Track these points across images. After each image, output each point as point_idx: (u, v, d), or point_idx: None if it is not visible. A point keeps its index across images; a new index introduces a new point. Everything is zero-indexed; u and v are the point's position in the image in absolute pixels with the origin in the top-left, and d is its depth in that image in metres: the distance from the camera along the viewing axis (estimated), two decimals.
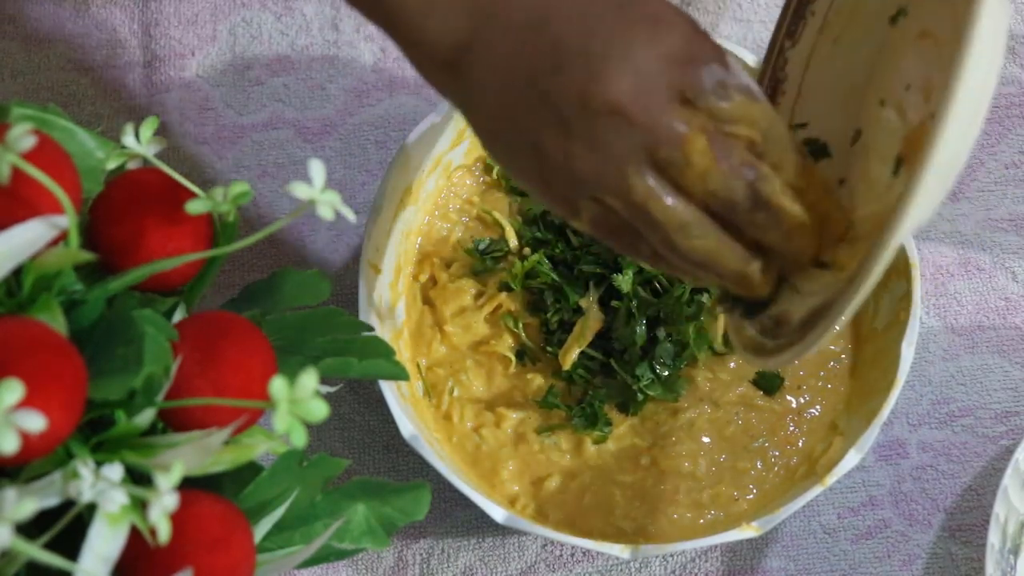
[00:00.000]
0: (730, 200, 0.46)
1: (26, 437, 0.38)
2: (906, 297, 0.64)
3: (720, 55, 0.46)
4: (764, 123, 0.47)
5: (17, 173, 0.43)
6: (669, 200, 0.46)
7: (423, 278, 0.70)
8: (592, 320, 0.67)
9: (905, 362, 0.62)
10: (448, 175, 0.71)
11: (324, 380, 0.47)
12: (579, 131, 0.45)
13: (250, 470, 0.48)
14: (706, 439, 0.67)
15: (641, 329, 0.66)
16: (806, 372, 0.68)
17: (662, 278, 0.67)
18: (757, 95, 0.47)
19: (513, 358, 0.68)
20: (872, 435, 0.61)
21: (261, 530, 0.47)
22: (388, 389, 0.62)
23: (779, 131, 0.47)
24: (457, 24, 0.47)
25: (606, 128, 0.45)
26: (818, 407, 0.67)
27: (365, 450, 0.70)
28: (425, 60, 0.49)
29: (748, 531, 0.60)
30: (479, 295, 0.69)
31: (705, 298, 0.67)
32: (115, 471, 0.41)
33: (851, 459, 0.60)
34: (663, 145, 0.45)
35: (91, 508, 0.41)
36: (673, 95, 0.45)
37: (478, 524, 0.69)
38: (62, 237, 0.44)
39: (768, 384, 0.67)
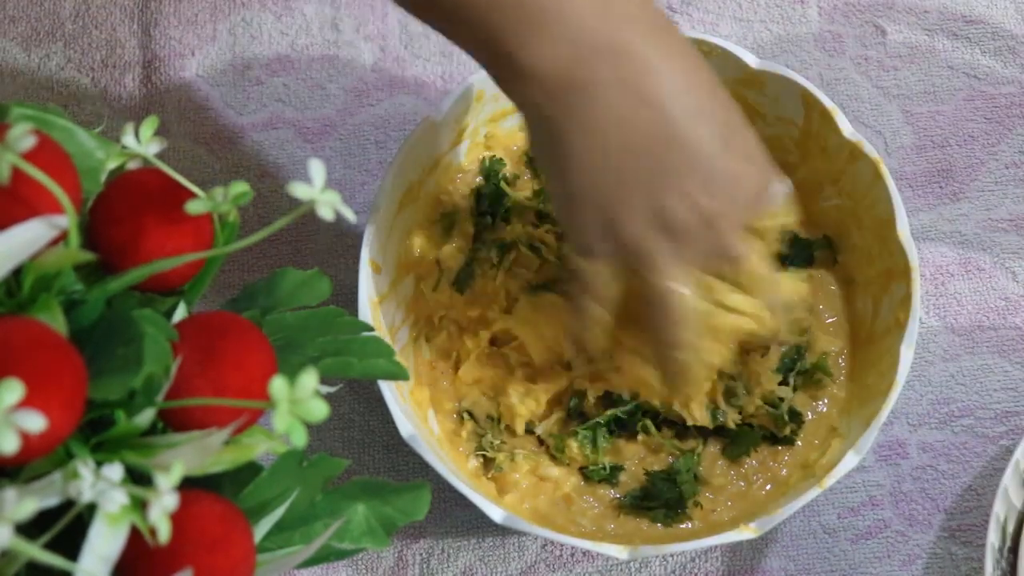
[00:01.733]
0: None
1: (26, 437, 0.38)
2: (906, 299, 0.64)
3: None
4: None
5: (17, 173, 0.43)
6: (689, 296, 0.55)
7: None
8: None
9: (904, 365, 0.62)
10: (448, 175, 0.71)
11: (324, 380, 0.47)
12: (662, 223, 0.52)
13: (250, 470, 0.48)
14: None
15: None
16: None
17: None
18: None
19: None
20: (871, 437, 0.61)
21: (261, 530, 0.47)
22: (388, 389, 0.62)
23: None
24: (574, 57, 0.50)
25: (683, 234, 0.53)
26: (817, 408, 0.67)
27: (365, 450, 0.70)
28: (529, 84, 0.51)
29: (747, 532, 0.60)
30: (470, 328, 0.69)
31: None
32: (115, 471, 0.41)
33: (850, 461, 0.60)
34: (724, 260, 0.55)
35: (91, 508, 0.41)
36: (740, 228, 0.54)
37: (478, 524, 0.69)
38: (62, 237, 0.44)
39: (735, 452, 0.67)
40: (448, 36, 0.54)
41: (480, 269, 0.69)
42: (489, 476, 0.67)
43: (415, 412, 0.65)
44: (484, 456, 0.67)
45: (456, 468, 0.64)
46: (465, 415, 0.68)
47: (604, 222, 0.53)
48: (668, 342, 0.56)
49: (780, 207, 0.56)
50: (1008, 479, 0.64)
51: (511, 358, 0.67)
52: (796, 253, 0.70)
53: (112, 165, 0.50)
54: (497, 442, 0.67)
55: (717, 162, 0.52)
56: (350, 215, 0.44)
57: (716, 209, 0.52)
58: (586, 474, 0.67)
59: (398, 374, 0.53)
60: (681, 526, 0.65)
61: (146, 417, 0.44)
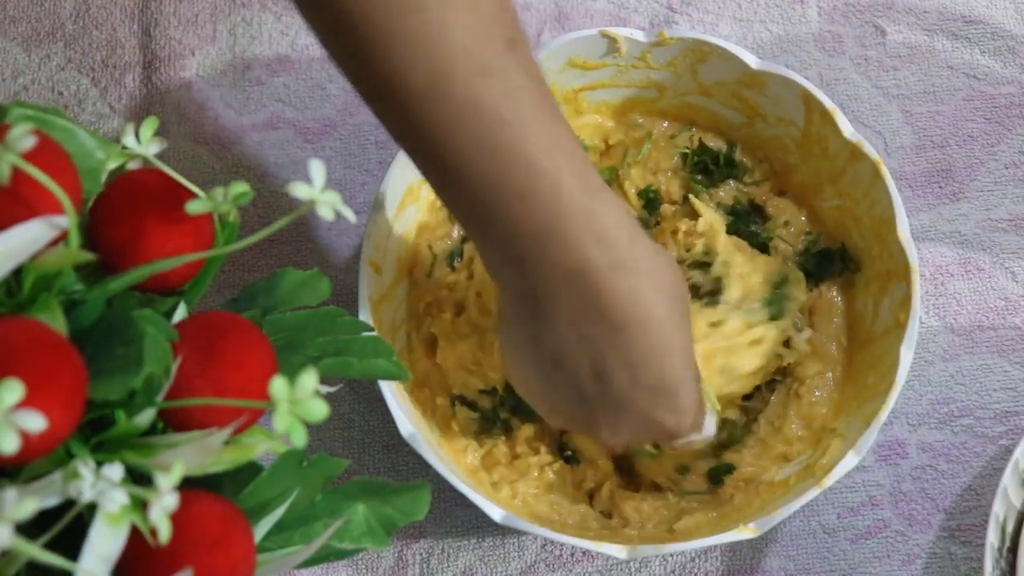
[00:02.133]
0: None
1: (26, 437, 0.38)
2: (905, 300, 0.64)
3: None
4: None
5: (17, 173, 0.43)
6: None
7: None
8: None
9: (904, 365, 0.62)
10: None
11: (324, 380, 0.47)
12: (622, 421, 0.58)
13: (250, 470, 0.48)
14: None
15: None
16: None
17: None
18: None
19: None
20: (871, 437, 0.61)
21: (261, 530, 0.47)
22: (387, 389, 0.62)
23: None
24: (538, 287, 0.54)
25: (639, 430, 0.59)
26: (820, 403, 0.67)
27: (365, 450, 0.70)
28: (505, 288, 0.56)
29: (746, 532, 0.60)
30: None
31: None
32: (115, 471, 0.41)
33: (849, 461, 0.60)
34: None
35: (91, 508, 0.41)
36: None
37: (478, 524, 0.69)
38: (62, 237, 0.44)
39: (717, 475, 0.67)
40: (445, 203, 0.56)
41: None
42: (484, 454, 0.67)
43: (415, 412, 0.65)
44: (482, 440, 0.67)
45: (456, 467, 0.64)
46: (457, 403, 0.67)
47: (536, 403, 0.60)
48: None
49: (689, 447, 0.62)
50: (1008, 479, 0.64)
51: (482, 324, 0.68)
52: (818, 268, 0.70)
53: (112, 165, 0.50)
54: (497, 423, 0.67)
55: (633, 406, 0.56)
56: (350, 215, 0.44)
57: (614, 436, 0.58)
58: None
59: (398, 374, 0.53)
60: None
61: (146, 417, 0.44)
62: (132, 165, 0.50)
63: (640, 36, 0.68)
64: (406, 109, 0.50)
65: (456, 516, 0.69)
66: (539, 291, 0.54)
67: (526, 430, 0.67)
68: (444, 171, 0.52)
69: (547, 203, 0.51)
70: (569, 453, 0.68)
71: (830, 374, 0.68)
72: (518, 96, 0.50)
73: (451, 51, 0.49)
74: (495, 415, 0.67)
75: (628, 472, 0.68)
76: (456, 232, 0.71)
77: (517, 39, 0.51)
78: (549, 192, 0.51)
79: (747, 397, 0.68)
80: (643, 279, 0.54)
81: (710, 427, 0.61)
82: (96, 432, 0.44)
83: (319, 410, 0.40)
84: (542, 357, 0.56)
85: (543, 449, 0.67)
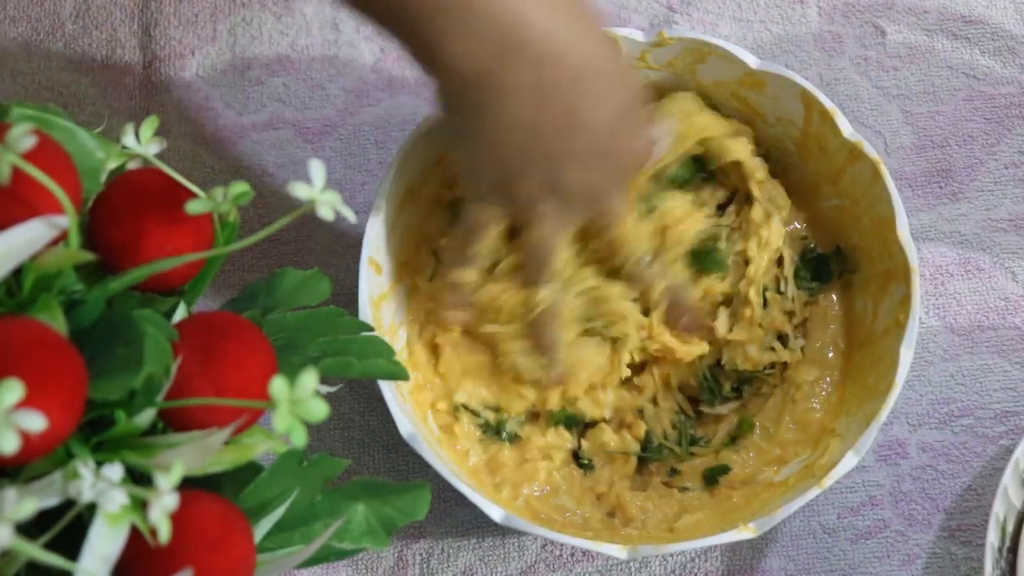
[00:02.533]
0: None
1: (26, 437, 0.38)
2: (905, 300, 0.64)
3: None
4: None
5: (17, 173, 0.43)
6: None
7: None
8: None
9: (904, 365, 0.62)
10: (449, 174, 0.70)
11: (324, 380, 0.47)
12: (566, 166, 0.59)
13: (250, 470, 0.48)
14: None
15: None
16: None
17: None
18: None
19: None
20: (870, 438, 0.61)
21: (261, 530, 0.47)
22: (387, 389, 0.62)
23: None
24: (485, 53, 0.55)
25: (568, 197, 0.61)
26: (816, 408, 0.67)
27: (365, 450, 0.70)
28: (446, 77, 0.57)
29: (745, 532, 0.60)
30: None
31: None
32: (115, 471, 0.41)
33: (849, 461, 0.60)
34: (602, 218, 0.63)
35: (91, 508, 0.41)
36: (622, 191, 0.63)
37: (478, 524, 0.69)
38: (62, 237, 0.44)
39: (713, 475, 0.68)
40: (379, 28, 0.57)
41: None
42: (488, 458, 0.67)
43: (415, 412, 0.65)
44: (486, 446, 0.67)
45: (456, 467, 0.64)
46: (461, 409, 0.67)
47: (501, 179, 0.59)
48: (535, 284, 0.64)
49: (660, 158, 0.65)
50: (1008, 479, 0.64)
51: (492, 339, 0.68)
52: (815, 272, 0.70)
53: (112, 165, 0.50)
54: (505, 431, 0.67)
55: (611, 141, 0.59)
56: (350, 215, 0.44)
57: (603, 178, 0.60)
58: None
59: (398, 374, 0.53)
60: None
61: (146, 417, 0.44)
62: (132, 165, 0.50)
63: (639, 36, 0.68)
64: None
65: (456, 516, 0.69)
66: (486, 65, 0.55)
67: (537, 439, 0.67)
68: None
69: None
70: (586, 461, 0.68)
71: (827, 379, 0.68)
72: None
73: None
74: (500, 428, 0.67)
75: (639, 470, 0.68)
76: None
77: None
78: None
79: (736, 389, 0.68)
80: (570, 9, 0.56)
81: (665, 135, 0.64)
82: (96, 432, 0.44)
83: (319, 410, 0.40)
84: (511, 141, 0.57)
85: (559, 458, 0.67)
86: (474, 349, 0.68)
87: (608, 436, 0.67)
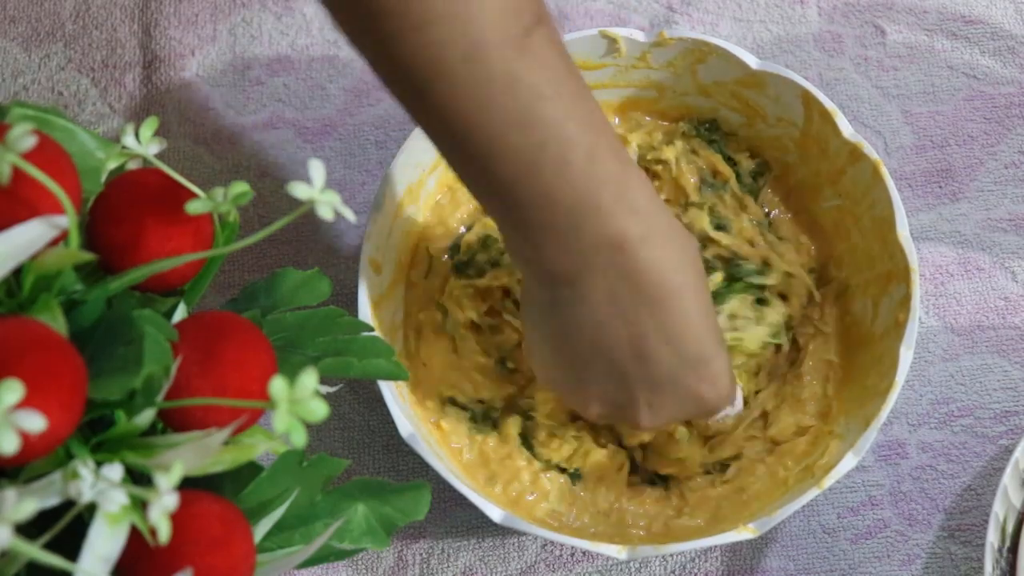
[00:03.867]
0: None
1: (26, 437, 0.38)
2: (905, 300, 0.64)
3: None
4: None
5: (17, 173, 0.43)
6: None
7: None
8: None
9: (903, 366, 0.62)
10: (449, 174, 0.71)
11: (324, 380, 0.47)
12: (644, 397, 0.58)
13: (250, 470, 0.48)
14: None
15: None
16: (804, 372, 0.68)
17: None
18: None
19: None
20: (870, 438, 0.61)
21: (261, 530, 0.47)
22: (387, 389, 0.62)
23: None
24: (578, 258, 0.53)
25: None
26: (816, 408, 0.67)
27: (365, 450, 0.70)
28: (533, 268, 0.55)
29: (745, 532, 0.60)
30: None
31: None
32: (115, 471, 0.41)
33: (849, 461, 0.60)
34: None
35: (91, 508, 0.41)
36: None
37: (478, 524, 0.69)
38: (62, 237, 0.44)
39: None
40: (472, 190, 0.55)
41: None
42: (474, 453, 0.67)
43: (415, 412, 0.65)
44: (474, 438, 0.67)
45: (455, 467, 0.64)
46: (448, 404, 0.67)
47: (561, 381, 0.59)
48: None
49: (723, 421, 0.65)
50: (1008, 479, 0.64)
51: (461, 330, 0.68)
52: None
53: (112, 165, 0.50)
54: (489, 423, 0.67)
55: (674, 384, 0.57)
56: (350, 215, 0.44)
57: (652, 420, 0.58)
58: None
59: (398, 374, 0.53)
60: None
61: (146, 417, 0.44)
62: (132, 165, 0.50)
63: (640, 36, 0.68)
64: (435, 86, 0.49)
65: (456, 516, 0.69)
66: (572, 269, 0.53)
67: (513, 425, 0.67)
68: (473, 151, 0.51)
69: (584, 175, 0.51)
70: (572, 471, 0.67)
71: (824, 387, 0.68)
72: (552, 70, 0.50)
73: (485, 26, 0.48)
74: (486, 415, 0.67)
75: (636, 468, 0.68)
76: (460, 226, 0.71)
77: (543, 14, 0.51)
78: (585, 164, 0.51)
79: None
80: (672, 250, 0.54)
81: (739, 399, 0.63)
82: (96, 432, 0.44)
83: (319, 410, 0.40)
84: (576, 342, 0.56)
85: (556, 477, 0.67)
86: (445, 332, 0.68)
87: (597, 455, 0.67)
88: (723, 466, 0.67)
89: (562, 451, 0.66)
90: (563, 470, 0.67)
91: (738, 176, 0.71)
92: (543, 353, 0.58)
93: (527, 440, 0.67)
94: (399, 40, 0.49)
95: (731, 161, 0.71)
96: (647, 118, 0.73)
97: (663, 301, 0.54)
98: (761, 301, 0.68)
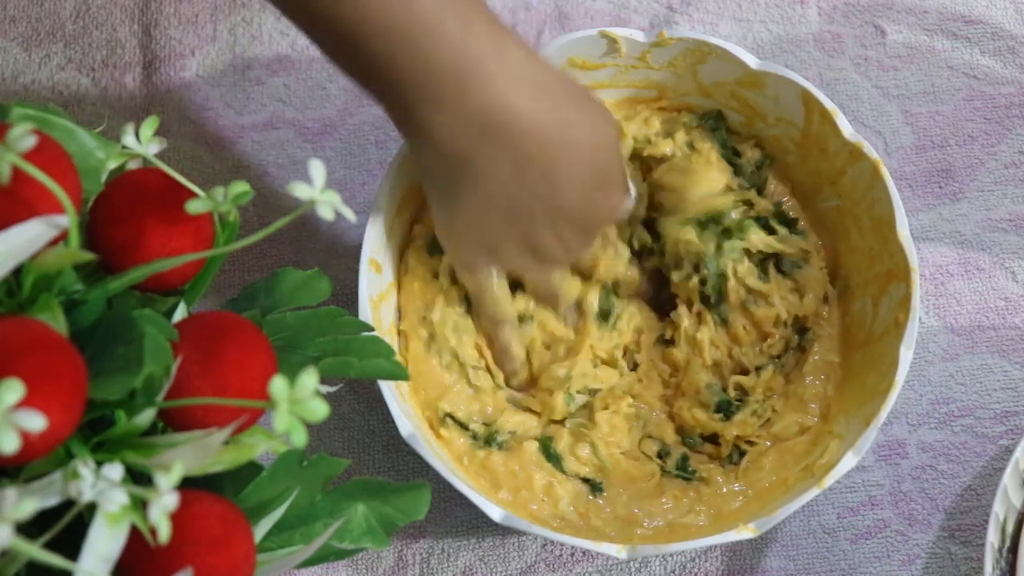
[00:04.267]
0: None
1: (26, 437, 0.38)
2: (905, 300, 0.64)
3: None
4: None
5: (17, 173, 0.43)
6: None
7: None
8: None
9: (903, 366, 0.62)
10: None
11: (324, 380, 0.47)
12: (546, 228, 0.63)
13: (250, 470, 0.48)
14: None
15: None
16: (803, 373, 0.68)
17: None
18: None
19: None
20: (870, 437, 0.61)
21: (261, 530, 0.47)
22: (387, 389, 0.62)
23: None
24: (469, 136, 0.57)
25: (545, 255, 0.65)
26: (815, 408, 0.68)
27: (365, 450, 0.70)
28: (429, 149, 0.59)
29: (745, 532, 0.60)
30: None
31: None
32: (115, 471, 0.41)
33: (848, 461, 0.60)
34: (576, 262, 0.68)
35: (91, 508, 0.41)
36: (591, 242, 0.67)
37: (478, 524, 0.69)
38: (62, 237, 0.44)
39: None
40: (356, 82, 0.58)
41: None
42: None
43: (415, 411, 0.65)
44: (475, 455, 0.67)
45: (455, 467, 0.64)
46: (448, 420, 0.67)
47: (487, 249, 0.63)
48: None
49: (627, 213, 0.68)
50: (1008, 479, 0.64)
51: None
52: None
53: (112, 165, 0.50)
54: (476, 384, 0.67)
55: (584, 207, 0.62)
56: (350, 215, 0.44)
57: (576, 237, 0.64)
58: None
59: (398, 374, 0.53)
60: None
61: (146, 417, 0.44)
62: (132, 165, 0.50)
63: (640, 36, 0.68)
64: None
65: (456, 516, 0.69)
66: (466, 145, 0.57)
67: (530, 448, 0.66)
68: (348, 30, 0.53)
69: (461, 42, 0.54)
70: (598, 481, 0.67)
71: (825, 386, 0.68)
72: None
73: None
74: (491, 439, 0.67)
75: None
76: None
77: None
78: (461, 30, 0.54)
79: (743, 372, 0.69)
80: (549, 88, 0.58)
81: (633, 190, 0.67)
82: (96, 432, 0.44)
83: (319, 410, 0.40)
84: (490, 214, 0.60)
85: (574, 486, 0.67)
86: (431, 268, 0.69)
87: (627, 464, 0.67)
88: (739, 453, 0.67)
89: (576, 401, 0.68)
90: (587, 481, 0.66)
91: (740, 169, 0.71)
92: (456, 230, 0.62)
93: (548, 450, 0.67)
94: None
95: (735, 152, 0.71)
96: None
97: (560, 142, 0.59)
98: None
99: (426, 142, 0.58)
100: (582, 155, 0.61)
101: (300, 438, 0.40)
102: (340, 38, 0.54)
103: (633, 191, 0.68)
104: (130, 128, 0.48)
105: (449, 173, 0.60)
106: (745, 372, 0.68)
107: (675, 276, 0.69)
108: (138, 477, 0.44)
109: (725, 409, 0.67)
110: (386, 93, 0.57)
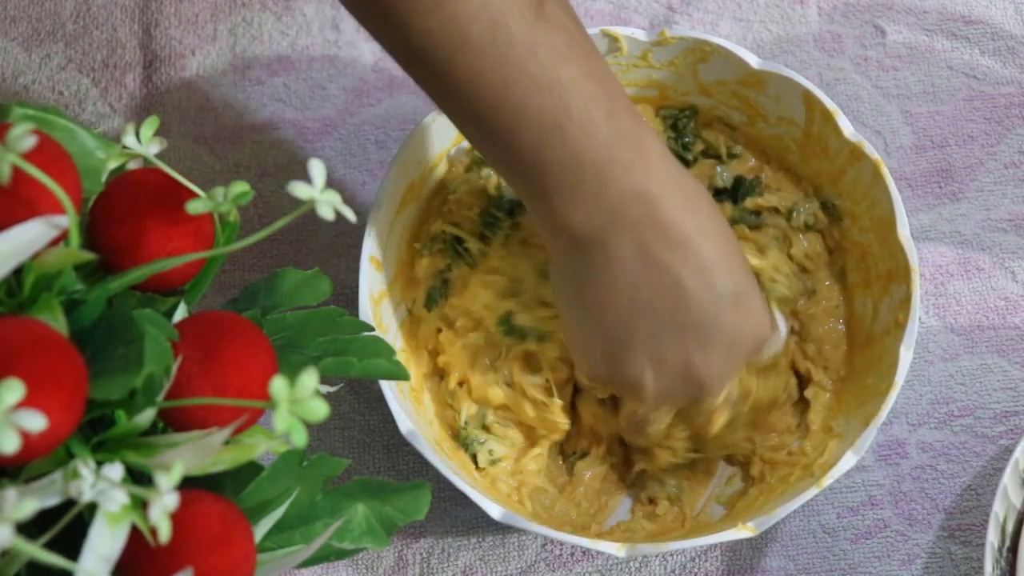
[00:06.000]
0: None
1: (26, 437, 0.38)
2: (905, 300, 0.64)
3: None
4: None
5: (17, 173, 0.43)
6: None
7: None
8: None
9: (903, 366, 0.62)
10: (450, 174, 0.71)
11: (324, 380, 0.47)
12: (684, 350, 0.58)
13: (250, 470, 0.48)
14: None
15: None
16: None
17: None
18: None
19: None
20: (870, 437, 0.61)
21: (261, 530, 0.47)
22: (388, 388, 0.62)
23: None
24: (600, 219, 0.55)
25: (671, 378, 0.60)
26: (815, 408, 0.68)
27: (365, 450, 0.70)
28: (560, 235, 0.57)
29: (744, 531, 0.60)
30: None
31: None
32: (115, 471, 0.41)
33: (848, 461, 0.61)
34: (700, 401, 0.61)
35: (91, 508, 0.41)
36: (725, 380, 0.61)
37: (478, 523, 0.69)
38: (62, 237, 0.44)
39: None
40: (495, 167, 0.58)
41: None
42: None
43: (415, 411, 0.65)
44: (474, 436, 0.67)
45: (456, 466, 0.64)
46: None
47: (607, 355, 0.59)
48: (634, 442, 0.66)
49: (775, 352, 0.64)
50: (1007, 479, 0.64)
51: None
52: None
53: (113, 165, 0.50)
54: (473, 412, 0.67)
55: (718, 321, 0.57)
56: (350, 215, 0.44)
57: (709, 367, 0.58)
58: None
59: (398, 374, 0.53)
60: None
61: (146, 417, 0.44)
62: (132, 165, 0.50)
63: (641, 35, 0.68)
64: (459, 60, 0.51)
65: (456, 516, 0.69)
66: (600, 230, 0.55)
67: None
68: (499, 122, 0.53)
69: (607, 132, 0.53)
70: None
71: (829, 380, 0.68)
72: (567, 32, 0.53)
73: (505, 2, 0.51)
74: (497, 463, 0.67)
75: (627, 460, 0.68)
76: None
77: None
78: (607, 121, 0.53)
79: None
80: (688, 197, 0.56)
81: (782, 324, 0.63)
82: (96, 432, 0.44)
83: (319, 410, 0.40)
84: (615, 304, 0.57)
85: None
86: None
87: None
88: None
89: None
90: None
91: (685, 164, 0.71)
92: (583, 329, 0.59)
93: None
94: (420, 18, 0.50)
95: (685, 147, 0.71)
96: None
97: (688, 242, 0.56)
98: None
99: (560, 231, 0.56)
100: (713, 262, 0.57)
101: (300, 438, 0.40)
102: (493, 128, 0.54)
103: (783, 328, 0.64)
104: (130, 128, 0.48)
105: (576, 264, 0.57)
106: None
107: None
108: (138, 477, 0.44)
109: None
110: (528, 181, 0.56)
